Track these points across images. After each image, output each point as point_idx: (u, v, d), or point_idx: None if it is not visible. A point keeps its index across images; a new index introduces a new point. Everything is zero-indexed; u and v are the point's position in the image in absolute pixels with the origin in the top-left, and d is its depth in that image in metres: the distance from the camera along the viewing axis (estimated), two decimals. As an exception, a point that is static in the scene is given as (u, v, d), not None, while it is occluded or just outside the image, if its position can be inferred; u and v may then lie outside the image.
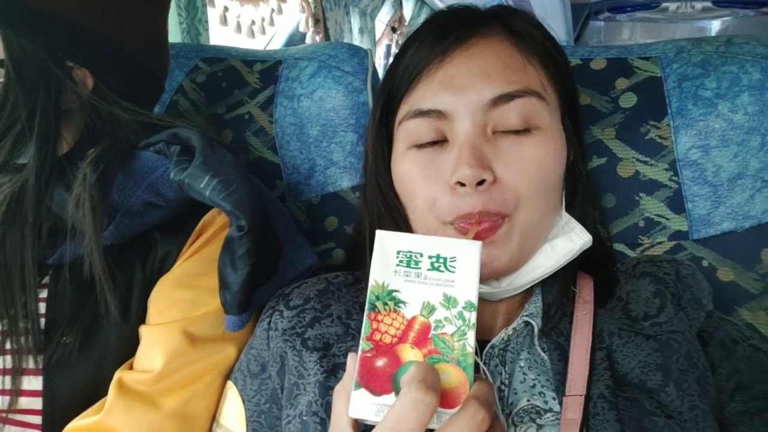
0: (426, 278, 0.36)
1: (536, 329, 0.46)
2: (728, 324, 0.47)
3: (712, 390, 0.42)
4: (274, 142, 0.77)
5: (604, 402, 0.41)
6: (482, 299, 0.49)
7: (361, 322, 0.51)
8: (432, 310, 0.35)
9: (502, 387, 0.44)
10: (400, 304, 0.36)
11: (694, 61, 0.59)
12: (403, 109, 0.49)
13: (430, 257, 0.36)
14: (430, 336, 0.35)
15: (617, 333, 0.45)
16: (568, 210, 0.51)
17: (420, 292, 0.36)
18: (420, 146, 0.47)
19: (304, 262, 0.63)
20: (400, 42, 2.30)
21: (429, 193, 0.46)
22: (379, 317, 0.36)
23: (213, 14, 1.18)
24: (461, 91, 0.45)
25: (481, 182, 0.43)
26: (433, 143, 0.47)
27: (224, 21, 1.20)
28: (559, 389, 0.42)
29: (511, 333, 0.46)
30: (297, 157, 0.75)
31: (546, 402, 0.43)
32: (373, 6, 2.00)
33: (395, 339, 0.35)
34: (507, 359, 0.46)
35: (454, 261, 0.36)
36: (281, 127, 0.76)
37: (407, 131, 0.48)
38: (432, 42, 0.48)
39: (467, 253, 0.36)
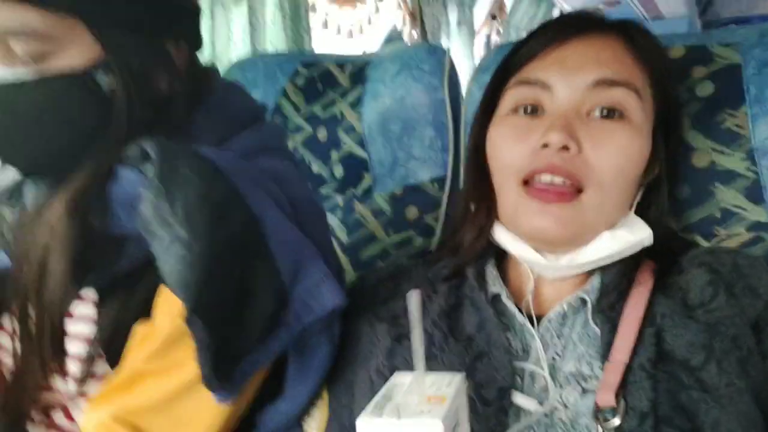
0: None
1: (589, 304, 0.49)
2: None
3: (757, 373, 0.43)
4: (362, 138, 0.84)
5: (642, 371, 0.43)
6: (543, 277, 0.53)
7: (427, 297, 0.56)
8: None
9: (555, 356, 0.49)
10: None
11: (777, 46, 0.57)
12: (514, 79, 0.54)
13: None
14: None
15: (669, 315, 0.47)
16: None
17: None
18: (518, 113, 0.52)
19: (324, 303, 0.47)
20: (500, 30, 2.28)
21: (514, 152, 0.51)
22: None
23: (315, 19, 1.29)
24: (570, 70, 0.49)
25: (566, 150, 0.47)
26: (531, 112, 0.51)
27: (326, 25, 1.31)
28: (604, 357, 0.46)
29: (566, 307, 0.50)
30: (381, 151, 0.83)
31: (592, 369, 0.46)
32: (471, -4, 2.01)
33: None
34: (563, 333, 0.50)
35: None
36: (368, 124, 0.83)
37: (510, 97, 0.53)
38: (554, 30, 0.52)
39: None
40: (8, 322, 0.52)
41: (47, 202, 0.48)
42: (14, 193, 0.51)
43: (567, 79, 0.49)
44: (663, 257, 0.52)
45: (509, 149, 0.51)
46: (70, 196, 0.47)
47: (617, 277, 0.50)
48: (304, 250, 0.49)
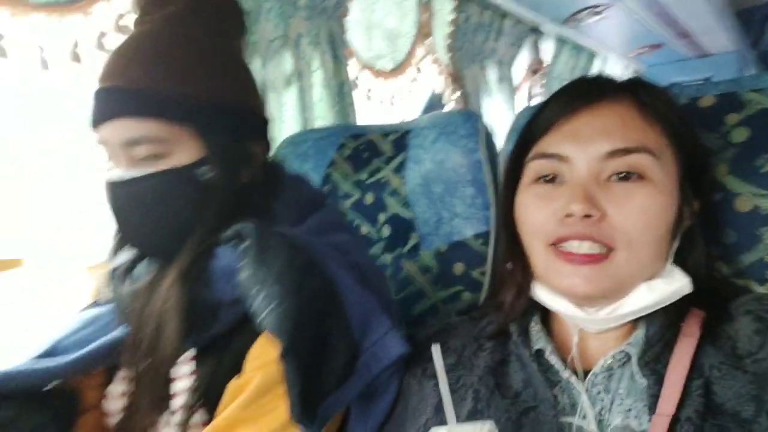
0: None
1: (633, 357, 0.49)
2: None
3: None
4: (406, 200, 0.89)
5: (690, 424, 0.43)
6: (587, 331, 0.54)
7: (473, 353, 0.58)
8: None
9: (603, 412, 0.49)
10: None
11: (808, 88, 0.57)
12: (533, 152, 0.56)
13: None
14: None
15: (717, 366, 0.46)
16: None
17: None
18: (540, 182, 0.54)
19: (390, 353, 0.56)
20: (541, 82, 2.33)
21: (539, 218, 0.53)
22: None
23: (358, 93, 1.38)
24: (583, 142, 0.51)
25: (588, 217, 0.49)
26: (551, 181, 0.54)
27: (369, 97, 1.40)
28: (652, 410, 0.45)
29: (611, 361, 0.51)
30: (426, 211, 0.87)
31: (641, 424, 0.46)
32: (510, 55, 2.08)
33: None
34: (611, 387, 0.50)
35: None
36: (411, 187, 0.88)
37: (532, 169, 0.55)
38: (565, 101, 0.55)
39: None
40: (122, 373, 0.63)
41: (159, 276, 0.58)
42: (126, 270, 0.62)
43: (582, 152, 0.51)
44: (710, 305, 0.52)
45: (533, 215, 0.54)
46: (180, 270, 0.57)
47: (661, 329, 0.50)
48: (371, 306, 0.58)
